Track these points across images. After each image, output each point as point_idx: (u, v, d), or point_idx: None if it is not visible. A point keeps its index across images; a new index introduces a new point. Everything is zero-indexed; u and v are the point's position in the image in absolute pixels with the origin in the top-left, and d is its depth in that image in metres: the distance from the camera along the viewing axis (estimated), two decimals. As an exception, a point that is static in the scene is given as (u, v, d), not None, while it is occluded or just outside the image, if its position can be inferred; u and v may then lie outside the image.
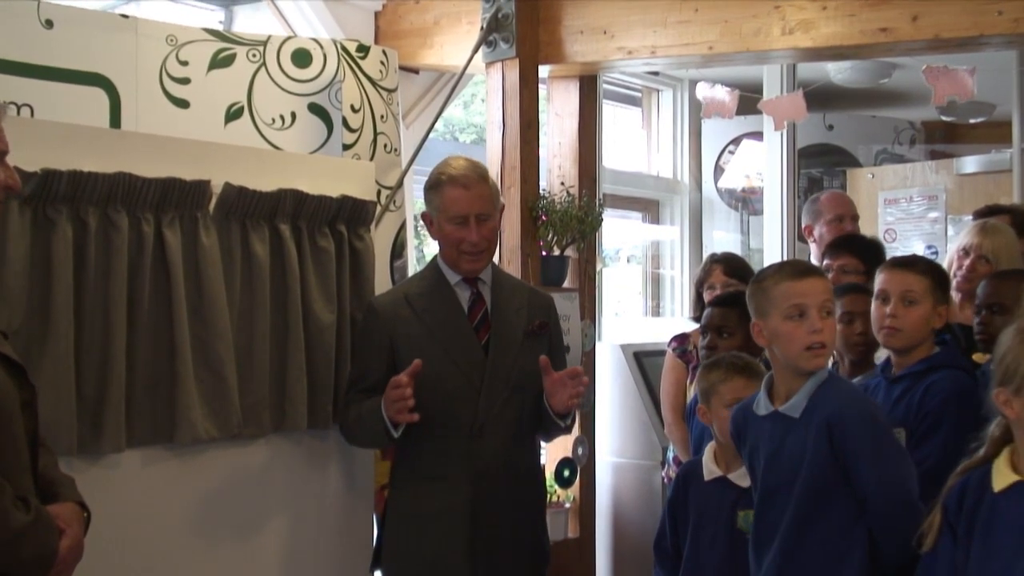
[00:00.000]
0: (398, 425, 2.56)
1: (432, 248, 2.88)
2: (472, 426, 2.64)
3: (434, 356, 2.64)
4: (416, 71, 4.29)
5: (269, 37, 3.26)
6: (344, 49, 3.33)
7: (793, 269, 2.27)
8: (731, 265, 3.53)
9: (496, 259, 3.88)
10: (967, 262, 3.12)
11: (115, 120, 2.91)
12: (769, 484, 2.23)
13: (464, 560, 2.62)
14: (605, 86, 5.08)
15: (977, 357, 2.66)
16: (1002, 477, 1.83)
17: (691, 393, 3.11)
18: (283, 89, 3.24)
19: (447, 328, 2.70)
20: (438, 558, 2.64)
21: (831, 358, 2.80)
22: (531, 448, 2.83)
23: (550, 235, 3.96)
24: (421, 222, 2.95)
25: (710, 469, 2.59)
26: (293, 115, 3.25)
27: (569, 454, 4.11)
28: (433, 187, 2.72)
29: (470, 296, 2.74)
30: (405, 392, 2.49)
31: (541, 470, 3.03)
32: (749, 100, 4.79)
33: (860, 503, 2.12)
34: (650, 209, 6.01)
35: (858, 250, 3.34)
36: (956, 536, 1.88)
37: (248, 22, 4.20)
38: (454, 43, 4.06)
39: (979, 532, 1.84)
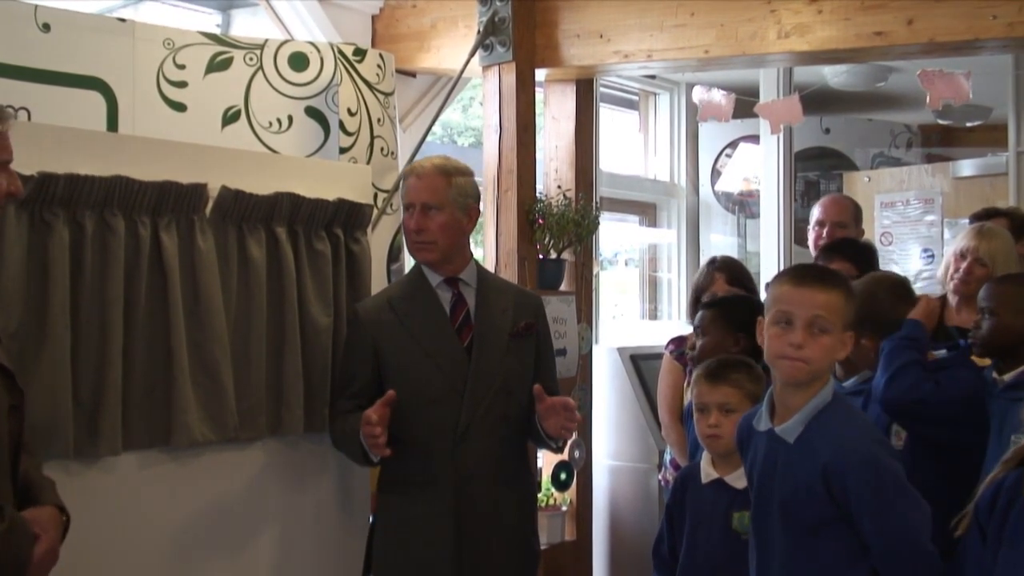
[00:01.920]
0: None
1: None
2: (456, 430, 2.63)
3: (417, 360, 2.65)
4: (413, 74, 4.30)
5: (266, 41, 3.26)
6: (341, 53, 3.33)
7: (796, 273, 2.15)
8: (733, 273, 3.52)
9: (493, 262, 3.89)
10: (963, 265, 3.12)
11: (112, 123, 2.91)
12: (760, 504, 2.16)
13: (451, 564, 2.60)
14: (602, 89, 5.09)
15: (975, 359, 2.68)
16: None
17: (688, 396, 3.11)
18: (280, 92, 3.24)
19: (428, 331, 2.69)
20: (425, 563, 2.63)
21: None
22: (519, 450, 2.79)
23: (547, 238, 3.96)
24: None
25: (707, 472, 2.59)
26: (290, 118, 3.25)
27: (566, 457, 4.11)
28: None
29: (451, 297, 2.72)
30: (375, 430, 2.49)
31: (531, 471, 3.01)
32: (745, 103, 4.79)
33: (863, 544, 2.01)
34: (647, 212, 6.02)
35: (850, 254, 3.34)
36: (986, 538, 1.87)
37: (245, 26, 4.20)
38: (451, 47, 4.07)
39: (1008, 536, 1.82)
